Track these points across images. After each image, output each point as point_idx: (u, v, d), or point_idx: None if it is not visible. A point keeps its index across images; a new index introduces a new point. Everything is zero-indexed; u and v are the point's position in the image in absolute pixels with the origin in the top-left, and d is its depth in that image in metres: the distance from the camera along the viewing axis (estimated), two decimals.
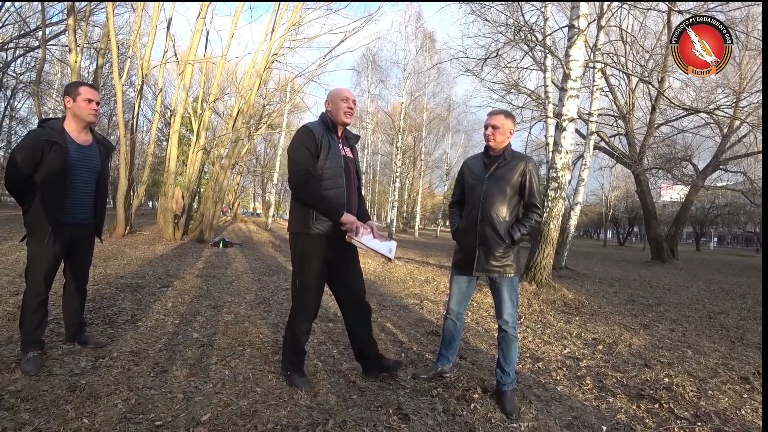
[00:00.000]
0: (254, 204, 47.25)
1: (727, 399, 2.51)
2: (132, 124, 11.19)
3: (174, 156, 10.65)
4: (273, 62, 11.62)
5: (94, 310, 3.40)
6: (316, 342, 3.02)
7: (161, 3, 10.62)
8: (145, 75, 10.77)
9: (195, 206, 13.40)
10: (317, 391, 2.22)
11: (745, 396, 2.57)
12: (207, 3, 10.42)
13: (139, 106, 11.74)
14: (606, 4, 8.04)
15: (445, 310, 2.56)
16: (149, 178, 12.47)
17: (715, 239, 46.27)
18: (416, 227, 27.31)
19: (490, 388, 2.39)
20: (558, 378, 2.68)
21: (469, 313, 4.26)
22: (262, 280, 5.50)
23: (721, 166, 14.55)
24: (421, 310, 4.34)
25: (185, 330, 3.10)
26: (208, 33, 11.92)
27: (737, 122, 12.83)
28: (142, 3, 10.76)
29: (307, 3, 11.25)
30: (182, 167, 13.51)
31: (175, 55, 11.78)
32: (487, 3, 8.27)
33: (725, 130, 13.87)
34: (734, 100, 12.66)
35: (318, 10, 11.85)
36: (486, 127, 2.35)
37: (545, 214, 5.77)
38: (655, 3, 9.31)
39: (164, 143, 18.34)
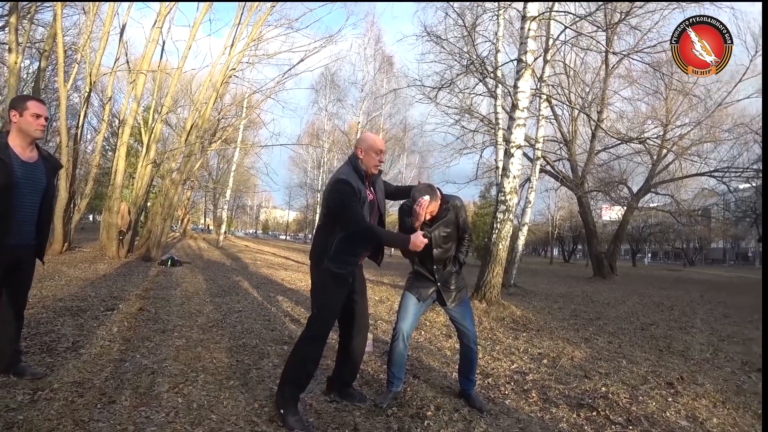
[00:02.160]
0: (205, 220, 45.44)
1: (654, 403, 2.77)
2: (76, 132, 10.54)
3: (122, 169, 10.12)
4: (231, 77, 11.47)
5: (30, 336, 3.16)
6: (271, 366, 2.99)
7: (115, 3, 10.07)
8: (94, 82, 10.21)
9: (142, 222, 12.73)
10: (272, 416, 2.22)
11: (670, 399, 2.85)
12: (165, 12, 10.12)
13: (84, 114, 11.10)
14: (551, 41, 8.77)
15: (394, 332, 2.56)
16: (92, 191, 11.69)
17: (649, 255, 50.33)
18: None
19: (443, 405, 2.49)
20: (506, 392, 2.84)
21: (422, 332, 4.37)
22: (215, 302, 5.32)
23: (651, 189, 16.09)
24: (376, 330, 4.37)
25: (133, 356, 2.96)
26: (164, 43, 11.56)
27: (665, 151, 14.34)
28: (95, 5, 10.22)
29: (268, 19, 11.28)
30: (129, 180, 12.82)
31: (128, 63, 11.30)
32: (442, 37, 8.71)
33: (654, 158, 15.40)
34: (662, 132, 14.13)
35: (278, 27, 11.90)
36: (420, 214, 2.32)
37: (494, 236, 6.08)
38: (594, 42, 10.27)
39: (110, 153, 17.32)
